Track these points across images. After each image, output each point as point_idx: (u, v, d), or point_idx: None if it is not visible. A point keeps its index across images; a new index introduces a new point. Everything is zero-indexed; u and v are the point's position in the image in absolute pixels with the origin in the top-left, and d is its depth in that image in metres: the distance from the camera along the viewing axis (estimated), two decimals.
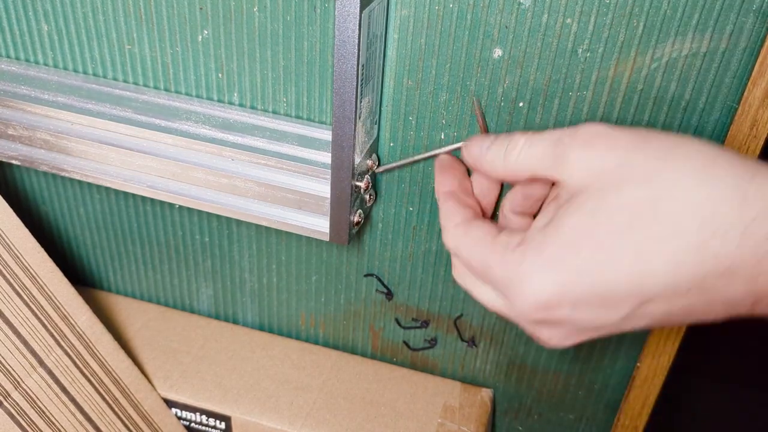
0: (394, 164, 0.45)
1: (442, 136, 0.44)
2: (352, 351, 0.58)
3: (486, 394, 0.55)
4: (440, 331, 0.54)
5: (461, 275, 0.38)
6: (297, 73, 0.44)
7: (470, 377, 0.56)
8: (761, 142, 0.38)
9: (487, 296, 0.36)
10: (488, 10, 0.39)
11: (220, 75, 0.46)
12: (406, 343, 0.56)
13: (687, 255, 0.29)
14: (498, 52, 0.40)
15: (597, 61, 0.39)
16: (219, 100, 0.47)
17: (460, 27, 0.40)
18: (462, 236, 0.37)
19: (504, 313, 0.35)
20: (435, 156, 0.43)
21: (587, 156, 0.32)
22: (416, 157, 0.44)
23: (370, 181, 0.44)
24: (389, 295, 0.53)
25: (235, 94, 0.47)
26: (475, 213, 0.39)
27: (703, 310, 0.30)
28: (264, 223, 0.45)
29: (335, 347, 0.59)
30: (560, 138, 0.33)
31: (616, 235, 0.30)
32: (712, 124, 0.39)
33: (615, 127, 0.32)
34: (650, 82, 0.39)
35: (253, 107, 0.47)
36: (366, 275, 0.53)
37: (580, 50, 0.39)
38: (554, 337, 0.34)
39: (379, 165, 0.46)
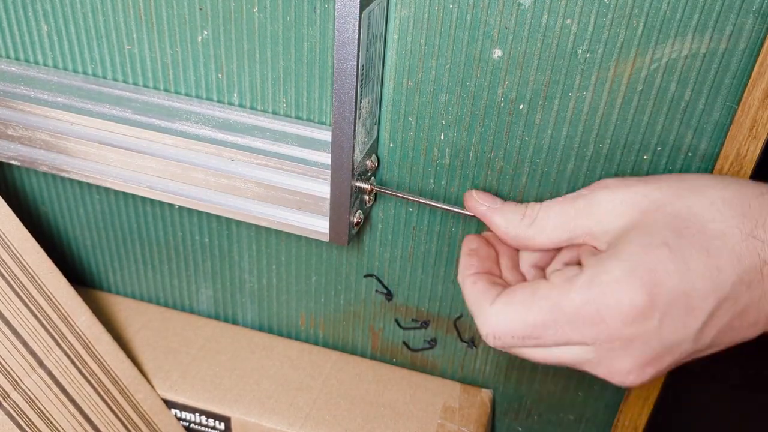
0: (395, 192, 0.44)
1: (442, 137, 0.44)
2: (352, 351, 0.58)
3: (486, 394, 0.55)
4: (440, 331, 0.54)
5: (533, 352, 0.36)
6: (297, 73, 0.44)
7: (470, 378, 0.56)
8: (761, 143, 0.38)
9: (567, 353, 0.35)
10: (488, 11, 0.39)
11: (219, 75, 0.46)
12: (405, 344, 0.56)
13: (742, 246, 0.32)
14: (498, 53, 0.40)
15: (597, 62, 0.39)
16: (219, 101, 0.47)
17: (459, 27, 0.40)
18: (508, 308, 0.36)
19: (589, 359, 0.34)
20: (436, 207, 0.42)
21: (611, 197, 0.35)
22: (418, 199, 0.44)
23: (374, 185, 0.44)
24: (389, 295, 0.53)
25: (235, 95, 0.47)
26: (504, 285, 0.38)
27: (755, 314, 0.32)
28: (264, 224, 0.45)
29: (335, 348, 0.59)
30: (576, 212, 0.36)
31: (678, 239, 0.32)
32: (711, 125, 0.39)
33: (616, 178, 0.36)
34: (650, 83, 0.39)
35: (252, 108, 0.47)
36: (366, 276, 0.53)
37: (580, 51, 0.39)
38: (634, 369, 0.34)
39: (379, 164, 0.46)
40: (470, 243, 0.42)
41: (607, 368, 0.34)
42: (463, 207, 0.42)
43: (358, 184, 0.43)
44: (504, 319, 0.35)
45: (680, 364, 0.34)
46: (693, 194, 0.33)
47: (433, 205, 0.44)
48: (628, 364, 0.33)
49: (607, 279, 0.32)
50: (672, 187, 0.34)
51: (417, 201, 0.44)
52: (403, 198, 0.45)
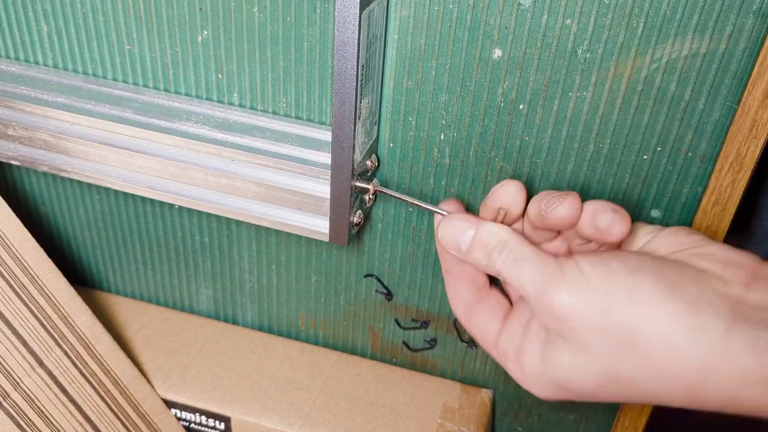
0: (394, 193, 0.44)
1: (442, 137, 0.44)
2: (352, 351, 0.58)
3: (486, 394, 0.55)
4: (440, 331, 0.54)
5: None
6: (297, 73, 0.44)
7: (470, 378, 0.56)
8: (761, 143, 0.38)
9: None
10: (488, 11, 0.39)
11: (219, 75, 0.46)
12: (405, 344, 0.56)
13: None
14: (498, 53, 0.40)
15: (597, 62, 0.39)
16: (219, 101, 0.47)
17: (459, 27, 0.40)
18: (467, 327, 0.41)
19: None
20: (427, 210, 0.42)
21: (570, 299, 0.33)
22: (413, 200, 0.43)
23: (377, 186, 0.44)
24: (389, 295, 0.53)
25: (235, 95, 0.47)
26: (478, 287, 0.42)
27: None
28: (264, 224, 0.45)
29: (335, 348, 0.59)
30: (542, 283, 0.34)
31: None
32: (711, 125, 0.39)
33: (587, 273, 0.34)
34: (650, 83, 0.39)
35: (252, 108, 0.47)
36: (366, 276, 0.53)
37: (580, 51, 0.39)
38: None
39: (379, 164, 0.46)
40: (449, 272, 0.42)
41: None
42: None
43: (359, 184, 0.43)
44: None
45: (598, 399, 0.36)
46: (643, 320, 0.32)
47: (427, 208, 0.43)
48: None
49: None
50: (621, 315, 0.33)
51: (413, 203, 0.44)
52: (405, 201, 0.45)
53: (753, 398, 0.30)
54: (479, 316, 0.40)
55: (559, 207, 0.36)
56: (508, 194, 0.38)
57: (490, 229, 0.37)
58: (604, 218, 0.35)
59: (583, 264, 0.34)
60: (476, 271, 0.41)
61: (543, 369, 0.35)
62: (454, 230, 0.38)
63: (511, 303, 0.41)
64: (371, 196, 0.46)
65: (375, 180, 0.45)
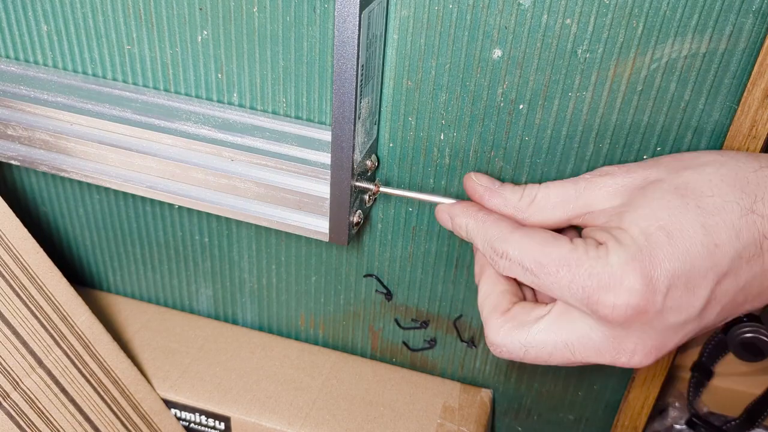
0: (397, 191, 0.44)
1: (442, 137, 0.44)
2: (352, 351, 0.58)
3: (485, 394, 0.55)
4: (440, 331, 0.54)
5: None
6: (297, 73, 0.44)
7: (470, 378, 0.56)
8: (761, 143, 0.38)
9: (573, 335, 0.35)
10: (488, 11, 0.39)
11: (219, 75, 0.46)
12: (405, 344, 0.56)
13: (741, 220, 0.32)
14: (497, 53, 0.40)
15: (596, 62, 0.39)
16: (219, 101, 0.47)
17: (459, 27, 0.40)
18: (531, 243, 0.36)
19: (594, 340, 0.35)
20: (435, 202, 0.42)
21: (612, 181, 0.36)
22: (418, 195, 0.43)
23: (380, 185, 0.44)
24: (389, 295, 0.53)
25: (235, 95, 0.47)
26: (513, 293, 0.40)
27: (758, 287, 0.33)
28: (264, 224, 0.45)
29: (335, 348, 0.59)
30: (579, 178, 0.37)
31: (678, 216, 0.33)
32: (711, 125, 0.39)
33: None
34: (650, 83, 0.39)
35: (252, 107, 0.47)
36: (365, 276, 0.53)
37: (580, 51, 0.39)
38: (638, 350, 0.34)
39: (379, 164, 0.46)
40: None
41: (612, 353, 0.34)
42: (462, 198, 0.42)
43: (359, 183, 0.43)
44: (508, 340, 0.37)
45: (687, 338, 0.35)
46: (690, 171, 0.34)
47: (436, 201, 0.43)
48: (632, 348, 0.34)
49: (612, 262, 0.33)
50: (670, 166, 0.35)
51: (419, 198, 0.44)
52: (407, 196, 0.45)
53: None
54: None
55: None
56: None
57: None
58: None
59: None
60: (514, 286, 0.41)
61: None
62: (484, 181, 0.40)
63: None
64: (371, 196, 0.46)
65: (377, 180, 0.45)
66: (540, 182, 0.44)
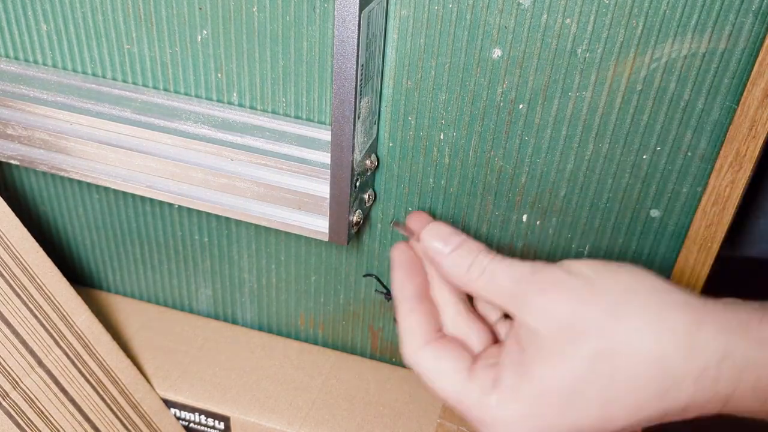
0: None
1: (442, 137, 0.44)
2: (352, 351, 0.58)
3: None
4: None
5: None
6: (296, 73, 0.44)
7: None
8: (760, 142, 0.38)
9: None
10: (488, 11, 0.39)
11: (219, 75, 0.46)
12: None
13: (647, 402, 0.31)
14: (497, 53, 0.40)
15: (596, 62, 0.39)
16: (218, 100, 0.47)
17: (459, 27, 0.40)
18: (430, 362, 0.36)
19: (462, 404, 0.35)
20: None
21: (543, 304, 0.33)
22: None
23: (372, 197, 0.45)
24: (388, 295, 0.53)
25: (235, 94, 0.47)
26: (438, 328, 0.37)
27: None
28: (263, 224, 0.45)
29: (334, 347, 0.59)
30: (520, 279, 0.33)
31: (580, 388, 0.32)
32: (710, 125, 0.39)
33: (572, 273, 0.33)
34: (649, 83, 0.39)
35: (252, 107, 0.47)
36: (365, 275, 0.53)
37: (580, 50, 0.39)
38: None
39: (378, 164, 0.46)
40: (398, 254, 0.39)
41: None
42: None
43: (358, 183, 0.43)
44: (425, 367, 0.36)
45: None
46: (623, 335, 0.31)
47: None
48: None
49: (502, 418, 0.33)
50: (607, 318, 0.32)
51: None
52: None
53: (741, 347, 0.30)
54: (448, 351, 0.36)
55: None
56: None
57: (476, 241, 0.36)
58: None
59: (570, 261, 0.34)
60: (437, 314, 0.38)
61: (517, 381, 0.33)
62: (442, 233, 0.36)
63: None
64: (371, 196, 0.46)
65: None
66: (539, 183, 0.44)
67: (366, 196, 0.45)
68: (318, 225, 0.44)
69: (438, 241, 0.36)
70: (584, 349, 0.32)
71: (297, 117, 0.46)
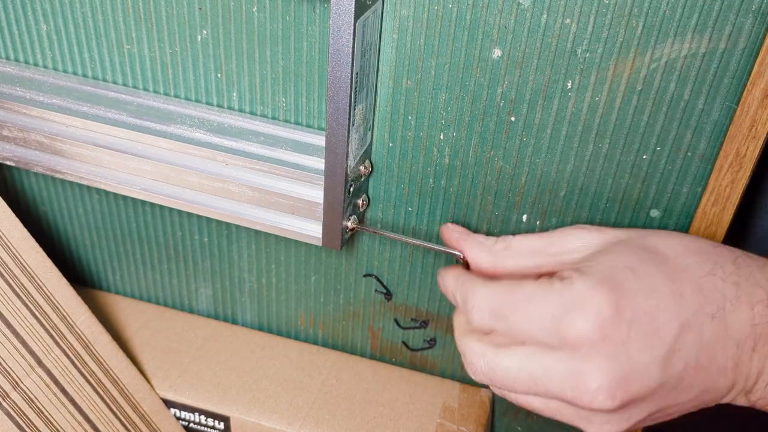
0: (371, 229, 0.46)
1: (441, 137, 0.44)
2: (351, 351, 0.58)
3: (485, 394, 0.55)
4: (439, 331, 0.54)
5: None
6: (296, 73, 0.44)
7: (469, 377, 0.56)
8: (761, 142, 0.38)
9: (537, 366, 0.35)
10: (487, 11, 0.39)
11: (219, 75, 0.46)
12: (405, 344, 0.56)
13: (703, 279, 0.34)
14: (497, 53, 0.40)
15: (596, 62, 0.39)
16: (218, 101, 0.47)
17: (459, 27, 0.40)
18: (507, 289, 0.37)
19: (558, 371, 0.34)
20: (410, 243, 0.44)
21: (584, 235, 0.39)
22: (394, 236, 0.45)
23: (356, 224, 0.45)
24: (388, 295, 0.53)
25: (234, 94, 0.47)
26: None
27: (722, 357, 0.34)
28: (257, 228, 0.45)
29: (334, 347, 0.59)
30: (552, 231, 0.40)
31: (642, 265, 0.35)
32: (710, 125, 0.39)
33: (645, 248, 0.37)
34: (649, 83, 0.39)
35: (252, 107, 0.47)
36: (365, 275, 0.53)
37: (579, 50, 0.39)
38: (602, 388, 0.33)
39: (372, 170, 0.46)
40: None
41: (575, 385, 0.33)
42: (440, 244, 0.44)
43: (352, 189, 0.43)
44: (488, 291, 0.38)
45: (654, 407, 0.34)
46: (656, 237, 0.37)
47: (413, 243, 0.46)
48: (597, 380, 0.33)
49: (579, 288, 0.34)
50: (639, 232, 0.38)
51: (397, 239, 0.46)
52: (384, 235, 0.47)
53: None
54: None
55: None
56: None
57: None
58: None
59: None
60: None
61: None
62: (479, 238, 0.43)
63: None
64: (364, 201, 0.46)
65: (354, 218, 0.45)
66: (539, 183, 0.44)
67: (360, 202, 0.45)
68: (312, 230, 0.44)
69: (461, 228, 0.44)
70: (632, 244, 0.36)
71: (297, 118, 0.46)
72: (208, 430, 0.55)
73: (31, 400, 0.46)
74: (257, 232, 0.53)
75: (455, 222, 0.47)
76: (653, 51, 0.38)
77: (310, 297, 0.56)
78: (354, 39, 0.36)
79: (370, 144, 0.45)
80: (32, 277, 0.47)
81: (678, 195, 0.42)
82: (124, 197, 0.55)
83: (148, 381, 0.54)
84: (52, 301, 0.48)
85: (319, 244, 0.44)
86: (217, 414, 0.53)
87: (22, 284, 0.46)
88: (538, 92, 0.41)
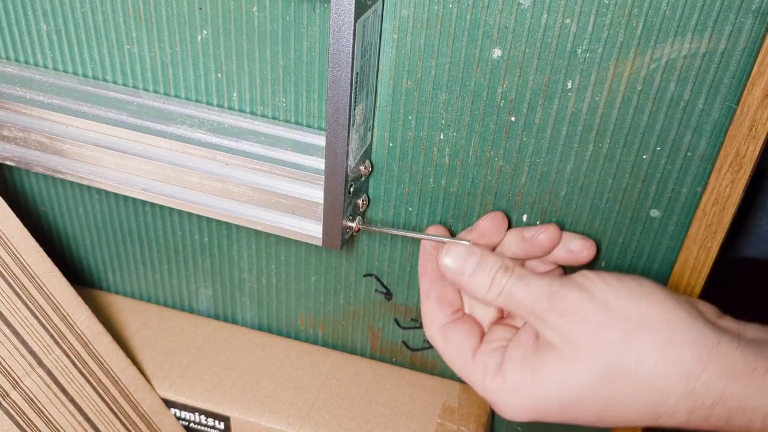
0: (377, 228, 0.46)
1: (442, 136, 0.44)
2: (352, 351, 0.58)
3: None
4: None
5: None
6: (296, 73, 0.44)
7: None
8: (760, 142, 0.38)
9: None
10: (488, 11, 0.39)
11: (219, 75, 0.46)
12: (405, 344, 0.56)
13: (639, 419, 0.35)
14: (497, 53, 0.40)
15: (596, 62, 0.39)
16: (218, 101, 0.47)
17: (459, 27, 0.40)
18: (440, 344, 0.41)
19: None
20: (418, 238, 0.44)
21: (562, 325, 0.36)
22: (400, 232, 0.46)
23: (360, 224, 0.45)
24: (388, 295, 0.53)
25: (235, 94, 0.47)
26: (455, 309, 0.43)
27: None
28: (258, 228, 0.45)
29: (334, 347, 0.59)
30: (538, 298, 0.37)
31: (581, 400, 0.35)
32: (710, 125, 0.39)
33: (591, 297, 0.36)
34: (649, 83, 0.39)
35: (252, 108, 0.47)
36: (365, 275, 0.53)
37: (579, 50, 0.39)
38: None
39: (372, 170, 0.46)
40: (425, 247, 0.44)
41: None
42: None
43: (352, 189, 0.43)
44: (440, 347, 0.41)
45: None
46: (638, 364, 0.35)
47: (417, 236, 0.45)
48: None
49: (505, 401, 0.37)
50: (626, 338, 0.35)
51: (402, 234, 0.46)
52: (387, 233, 0.47)
53: (738, 394, 0.33)
54: (456, 334, 0.41)
55: (542, 234, 0.42)
56: (491, 227, 0.43)
57: (492, 254, 0.39)
58: (576, 243, 0.42)
59: (587, 274, 0.37)
60: (454, 294, 0.43)
61: (526, 378, 0.37)
62: (459, 255, 0.39)
63: (483, 330, 0.43)
64: (364, 201, 0.46)
65: (359, 218, 0.45)
66: (539, 183, 0.44)
67: (360, 202, 0.45)
68: (312, 230, 0.44)
69: (456, 263, 0.39)
70: (593, 368, 0.35)
71: (297, 118, 0.46)
72: (208, 430, 0.55)
73: (31, 399, 0.46)
74: (257, 232, 0.53)
75: (455, 222, 0.47)
76: (653, 51, 0.38)
77: (310, 297, 0.56)
78: (354, 39, 0.36)
79: (370, 144, 0.45)
80: (32, 277, 0.47)
81: (678, 195, 0.42)
82: (125, 197, 0.55)
83: (148, 381, 0.54)
84: (52, 301, 0.48)
85: (320, 244, 0.44)
86: (217, 414, 0.53)
87: (22, 284, 0.46)
88: (538, 92, 0.41)
